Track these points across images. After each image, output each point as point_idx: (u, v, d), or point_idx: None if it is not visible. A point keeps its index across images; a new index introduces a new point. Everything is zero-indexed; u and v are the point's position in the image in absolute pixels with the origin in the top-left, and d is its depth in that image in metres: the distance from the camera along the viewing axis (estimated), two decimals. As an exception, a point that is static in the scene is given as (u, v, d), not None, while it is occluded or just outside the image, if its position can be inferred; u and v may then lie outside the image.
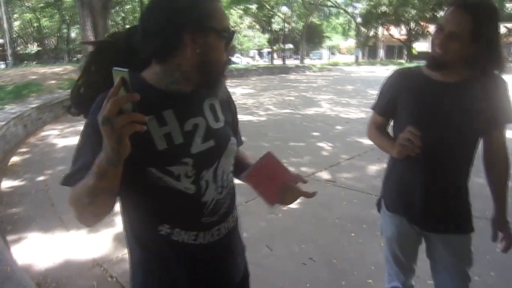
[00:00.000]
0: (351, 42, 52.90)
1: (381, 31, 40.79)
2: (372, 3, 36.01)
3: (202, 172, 0.98)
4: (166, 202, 0.96)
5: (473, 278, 1.60)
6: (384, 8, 34.97)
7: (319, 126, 7.94)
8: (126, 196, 0.94)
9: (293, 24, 39.24)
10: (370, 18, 36.44)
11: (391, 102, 1.56)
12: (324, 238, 3.22)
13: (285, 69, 25.15)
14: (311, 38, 45.45)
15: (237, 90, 14.19)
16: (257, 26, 42.24)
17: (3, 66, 26.59)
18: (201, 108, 1.02)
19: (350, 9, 42.47)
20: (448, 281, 1.59)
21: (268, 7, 33.51)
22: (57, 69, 14.97)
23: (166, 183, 0.93)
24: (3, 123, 6.09)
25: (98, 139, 0.77)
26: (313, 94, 13.70)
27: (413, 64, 1.65)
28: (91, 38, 14.32)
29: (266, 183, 1.06)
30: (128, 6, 34.85)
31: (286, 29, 35.50)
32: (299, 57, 36.98)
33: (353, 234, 3.27)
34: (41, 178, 4.81)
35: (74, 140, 5.74)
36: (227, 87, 1.13)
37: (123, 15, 35.52)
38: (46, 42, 40.61)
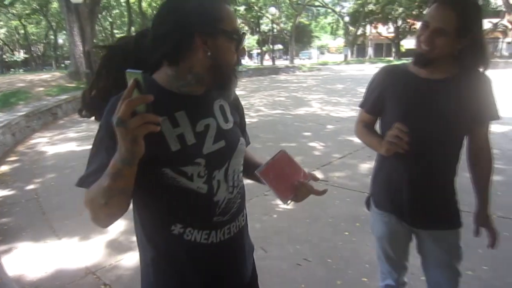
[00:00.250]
0: (340, 41, 53.21)
1: (369, 29, 41.11)
2: (359, 1, 36.30)
3: (214, 172, 1.00)
4: (179, 201, 0.97)
5: (465, 272, 1.62)
6: (371, 7, 35.25)
7: (310, 126, 7.95)
8: (139, 196, 0.95)
9: (282, 25, 39.37)
10: (358, 16, 36.69)
11: (378, 99, 1.56)
12: (318, 238, 3.23)
13: (275, 70, 25.18)
14: (300, 38, 45.66)
15: (228, 92, 14.08)
16: (246, 28, 42.27)
17: (-11, 74, 26.30)
18: (212, 109, 1.04)
19: (338, 8, 42.78)
20: (439, 276, 1.60)
21: (256, 8, 33.58)
22: (45, 76, 14.82)
23: (180, 183, 0.94)
24: (-9, 132, 6.02)
25: (112, 141, 0.79)
26: (303, 94, 13.73)
27: (401, 62, 1.64)
28: (79, 43, 14.23)
29: (279, 179, 1.08)
30: (115, 11, 34.68)
31: (275, 30, 35.57)
32: (288, 57, 37.08)
33: (346, 233, 3.28)
34: (31, 186, 4.75)
35: (64, 148, 5.72)
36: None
37: (110, 20, 35.31)
38: (33, 49, 40.17)
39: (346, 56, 38.39)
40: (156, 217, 1.00)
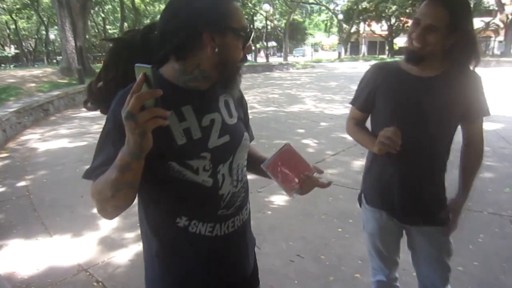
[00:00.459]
0: (334, 39, 53.32)
1: (362, 27, 41.21)
2: (353, -1, 36.36)
3: (218, 166, 1.01)
4: (185, 194, 0.99)
5: (457, 268, 1.63)
6: (365, 4, 35.33)
7: (303, 123, 7.97)
8: (145, 189, 0.96)
9: (276, 22, 39.32)
10: (352, 14, 36.75)
11: (370, 97, 1.56)
12: (311, 234, 3.24)
13: (268, 67, 25.17)
14: (294, 35, 45.67)
15: (221, 89, 14.05)
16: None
17: (-21, 69, 25.93)
18: (217, 104, 1.05)
19: (331, 6, 42.81)
20: (429, 271, 1.62)
21: (250, 5, 33.47)
22: (37, 71, 14.64)
23: (185, 176, 0.95)
24: (-19, 128, 5.95)
25: (119, 134, 0.80)
26: (297, 91, 13.75)
27: (393, 59, 1.65)
28: (71, 39, 14.08)
29: (285, 173, 1.10)
30: (108, 6, 34.34)
31: (269, 27, 35.51)
32: (282, 54, 37.04)
33: (339, 229, 3.29)
34: (22, 183, 4.70)
35: (55, 144, 5.67)
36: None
37: (103, 15, 34.98)
38: (24, 45, 39.68)
39: (339, 53, 38.44)
40: (162, 209, 1.02)
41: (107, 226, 3.44)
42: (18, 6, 30.92)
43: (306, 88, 14.59)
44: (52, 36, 37.09)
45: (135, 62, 0.78)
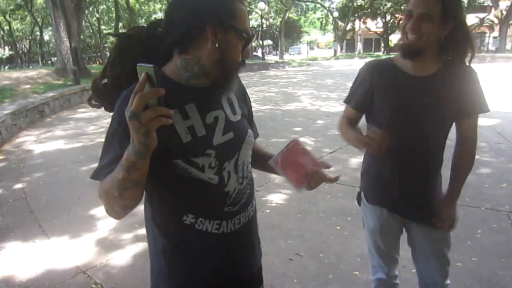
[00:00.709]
0: (329, 37, 53.30)
1: (358, 24, 41.22)
2: (348, -4, 36.34)
3: (224, 163, 1.02)
4: (191, 192, 1.00)
5: (455, 264, 1.64)
6: (360, 1, 35.32)
7: (300, 121, 7.97)
8: (151, 187, 0.97)
9: (271, 20, 39.26)
10: (347, 11, 36.71)
11: (367, 96, 1.54)
12: (309, 232, 3.24)
13: (264, 65, 25.12)
14: (290, 33, 45.64)
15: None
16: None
17: (-27, 71, 25.73)
18: (220, 102, 1.06)
19: (326, 4, 42.76)
20: (429, 266, 1.63)
21: (245, 3, 33.33)
22: (31, 73, 14.52)
23: (191, 174, 0.97)
24: (-24, 130, 5.90)
25: (125, 134, 0.82)
26: (293, 89, 13.74)
27: (386, 56, 1.63)
28: (65, 40, 13.98)
29: (293, 168, 1.11)
30: (102, 7, 34.16)
31: (264, 25, 35.46)
32: (278, 52, 37.00)
33: (338, 227, 3.30)
34: (18, 185, 4.67)
35: (51, 146, 5.63)
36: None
37: (97, 15, 34.80)
38: (19, 46, 39.42)
39: (335, 51, 38.44)
40: (168, 207, 1.03)
41: (104, 227, 3.42)
42: (11, 7, 30.67)
43: (302, 86, 14.58)
44: (46, 37, 36.86)
45: (140, 58, 0.78)
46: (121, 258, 2.92)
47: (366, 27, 39.50)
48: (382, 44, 38.80)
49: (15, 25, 36.70)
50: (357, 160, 4.97)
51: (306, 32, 53.10)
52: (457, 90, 1.42)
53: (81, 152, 5.95)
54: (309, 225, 3.37)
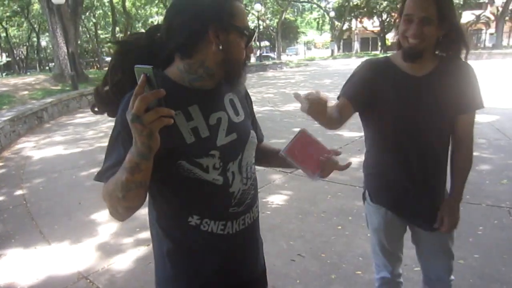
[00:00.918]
0: (326, 37, 53.38)
1: (354, 24, 41.29)
2: (344, -4, 36.40)
3: (228, 164, 1.02)
4: (196, 193, 1.00)
5: (457, 261, 1.64)
6: (356, 1, 35.41)
7: (299, 122, 7.96)
8: (156, 189, 0.98)
9: (268, 21, 39.32)
10: (343, 11, 36.81)
11: (364, 90, 1.49)
12: (311, 233, 3.24)
13: (262, 67, 25.14)
14: (287, 34, 45.67)
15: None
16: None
17: (-29, 79, 25.69)
18: (222, 103, 1.07)
19: (323, 4, 42.80)
20: (434, 262, 1.63)
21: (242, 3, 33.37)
22: (29, 79, 14.54)
23: (196, 175, 0.97)
24: (-25, 138, 5.89)
25: (128, 136, 0.82)
26: (291, 90, 13.74)
27: (383, 55, 1.62)
28: (63, 45, 13.99)
29: (305, 157, 1.11)
30: (99, 11, 34.18)
31: (261, 27, 35.49)
32: (275, 53, 37.02)
33: (339, 227, 3.29)
34: (18, 192, 4.66)
35: (50, 152, 5.61)
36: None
37: (94, 20, 34.81)
38: (16, 52, 39.40)
39: (332, 51, 38.49)
40: (173, 209, 1.03)
41: (105, 232, 3.42)
42: (8, 14, 30.67)
43: (300, 87, 14.60)
44: (43, 43, 36.90)
45: (140, 63, 0.78)
46: (123, 262, 2.92)
47: (363, 26, 39.56)
48: (379, 43, 38.84)
49: (12, 31, 36.72)
50: (356, 159, 4.96)
51: (303, 32, 53.18)
52: (455, 87, 1.43)
53: (80, 157, 5.95)
54: (310, 226, 3.37)
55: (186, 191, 0.99)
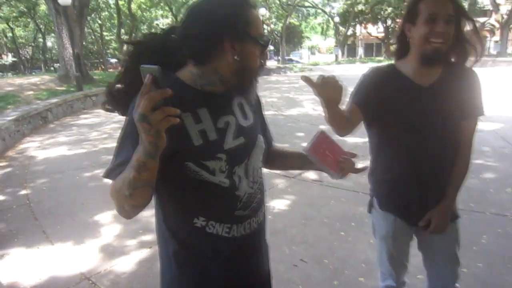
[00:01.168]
0: (330, 42, 53.43)
1: (359, 29, 41.37)
2: (349, 2, 36.47)
3: (234, 167, 1.03)
4: (202, 195, 1.01)
5: (461, 270, 1.63)
6: (361, 7, 35.48)
7: (303, 126, 7.98)
8: (163, 190, 0.99)
9: (272, 26, 39.41)
10: (348, 17, 36.91)
11: (376, 102, 1.48)
12: (313, 238, 3.23)
13: (266, 71, 25.19)
14: (291, 38, 45.77)
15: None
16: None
17: (-23, 78, 25.83)
18: (231, 107, 1.08)
19: (327, 9, 42.94)
20: (441, 269, 1.63)
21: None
22: (34, 79, 14.62)
23: (202, 176, 0.98)
24: (-20, 137, 5.92)
25: (138, 135, 0.82)
26: (295, 94, 13.77)
27: (388, 62, 1.60)
28: (68, 46, 14.08)
29: (326, 156, 1.14)
30: (104, 13, 34.38)
31: (265, 31, 35.51)
32: (279, 58, 37.09)
33: (342, 233, 3.28)
34: (22, 192, 4.68)
35: (55, 152, 5.64)
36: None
37: (100, 22, 35.00)
38: (22, 52, 39.66)
39: (336, 56, 38.56)
40: (179, 210, 1.04)
41: (108, 233, 3.42)
42: (15, 14, 30.90)
43: (304, 91, 14.56)
44: (49, 44, 37.12)
45: (153, 65, 0.78)
46: (126, 264, 2.92)
47: (367, 32, 39.64)
48: (383, 49, 38.85)
49: (18, 32, 36.96)
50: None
51: (307, 37, 53.28)
52: (460, 93, 1.43)
53: (84, 158, 5.97)
54: (313, 231, 3.36)
55: (192, 192, 1.00)
